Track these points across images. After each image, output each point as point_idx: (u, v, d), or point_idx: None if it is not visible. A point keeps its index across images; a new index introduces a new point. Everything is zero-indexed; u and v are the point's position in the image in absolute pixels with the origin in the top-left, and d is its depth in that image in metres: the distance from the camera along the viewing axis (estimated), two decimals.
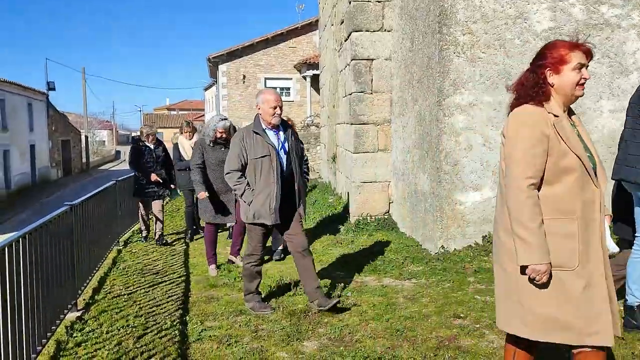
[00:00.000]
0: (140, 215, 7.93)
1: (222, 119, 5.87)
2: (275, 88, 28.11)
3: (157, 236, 7.60)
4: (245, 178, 4.39)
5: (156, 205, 7.60)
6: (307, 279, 4.48)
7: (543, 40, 5.80)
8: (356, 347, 3.71)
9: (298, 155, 4.55)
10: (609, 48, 5.92)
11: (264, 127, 4.42)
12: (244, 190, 4.34)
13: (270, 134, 4.43)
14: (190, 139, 7.99)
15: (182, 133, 8.29)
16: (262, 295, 4.77)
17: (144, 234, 7.94)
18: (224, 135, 5.81)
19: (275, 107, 4.33)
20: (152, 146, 7.53)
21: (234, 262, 6.16)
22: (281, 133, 4.49)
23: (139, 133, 7.89)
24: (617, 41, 5.93)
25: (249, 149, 4.35)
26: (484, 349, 3.61)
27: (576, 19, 5.86)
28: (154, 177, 7.37)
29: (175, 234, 8.49)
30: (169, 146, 8.30)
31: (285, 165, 4.42)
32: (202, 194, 5.70)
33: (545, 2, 5.83)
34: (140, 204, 7.82)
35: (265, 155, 4.31)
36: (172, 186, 7.90)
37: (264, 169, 4.33)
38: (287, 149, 4.45)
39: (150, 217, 8.03)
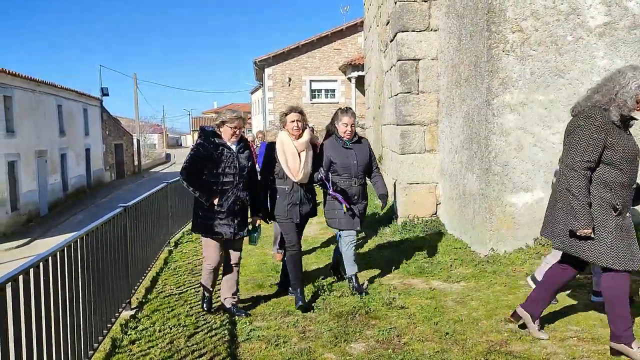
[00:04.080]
0: (204, 272, 4.64)
1: None
2: (320, 90, 28.35)
3: (227, 304, 4.59)
4: None
5: (231, 257, 4.59)
6: None
7: (597, 36, 5.60)
8: (404, 350, 3.69)
9: None
10: None
11: None
12: None
13: None
14: (299, 137, 4.68)
15: (283, 127, 4.76)
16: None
17: (206, 298, 4.69)
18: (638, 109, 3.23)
19: None
20: (234, 147, 4.44)
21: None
22: None
23: (215, 123, 4.49)
24: None
25: None
26: (537, 354, 3.51)
27: (633, 13, 5.62)
28: (217, 200, 4.37)
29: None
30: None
31: None
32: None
33: None
34: (207, 246, 4.51)
35: None
36: (259, 222, 4.72)
37: None
38: None
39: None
